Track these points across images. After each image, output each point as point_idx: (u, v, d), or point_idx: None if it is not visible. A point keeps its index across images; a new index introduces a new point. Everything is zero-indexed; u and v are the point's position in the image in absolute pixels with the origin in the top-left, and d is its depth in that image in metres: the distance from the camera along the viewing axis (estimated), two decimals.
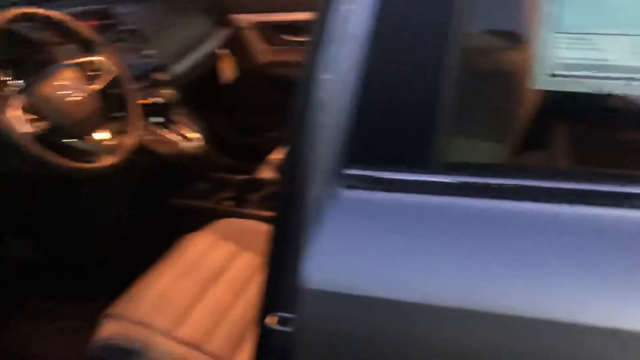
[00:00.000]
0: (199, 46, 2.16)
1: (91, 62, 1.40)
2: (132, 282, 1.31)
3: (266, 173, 1.87)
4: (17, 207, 1.60)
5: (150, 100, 1.70)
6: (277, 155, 1.61)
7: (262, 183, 1.83)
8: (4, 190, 1.43)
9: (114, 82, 1.44)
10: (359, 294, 0.67)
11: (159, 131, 1.72)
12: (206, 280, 1.32)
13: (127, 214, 1.84)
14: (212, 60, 2.23)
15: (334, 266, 0.68)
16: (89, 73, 1.39)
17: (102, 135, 1.34)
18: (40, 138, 1.20)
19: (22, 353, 1.63)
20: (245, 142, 2.64)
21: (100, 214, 1.82)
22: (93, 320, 1.26)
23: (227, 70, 2.36)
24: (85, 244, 1.82)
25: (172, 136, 1.73)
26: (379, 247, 0.67)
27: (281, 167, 0.79)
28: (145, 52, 1.77)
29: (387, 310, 0.67)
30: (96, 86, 1.38)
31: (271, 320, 0.77)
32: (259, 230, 1.50)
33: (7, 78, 1.44)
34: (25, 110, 1.19)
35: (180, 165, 1.73)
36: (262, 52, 2.46)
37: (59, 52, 1.49)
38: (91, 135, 1.31)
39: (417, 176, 0.67)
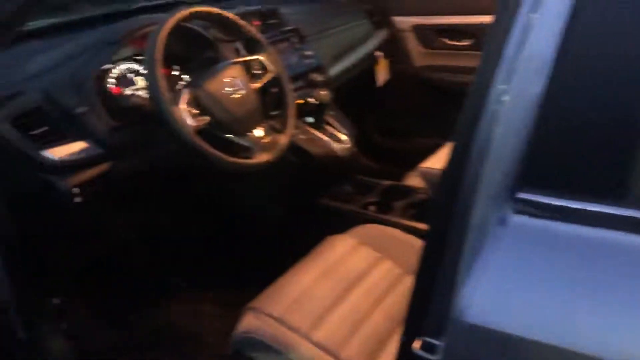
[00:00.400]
0: (357, 48, 2.15)
1: (255, 61, 1.45)
2: (275, 277, 1.33)
3: (414, 180, 1.81)
4: (172, 196, 1.70)
5: (306, 100, 1.72)
6: (428, 163, 1.54)
7: (409, 191, 1.77)
8: (165, 178, 1.53)
9: (274, 81, 1.47)
10: (520, 335, 0.59)
11: (311, 131, 1.73)
12: (346, 284, 1.30)
13: (276, 208, 1.88)
14: (368, 62, 2.21)
15: (495, 300, 0.61)
16: (252, 72, 1.43)
17: (258, 132, 1.37)
18: (202, 132, 1.25)
19: (171, 334, 1.73)
20: (394, 146, 2.59)
21: (252, 207, 1.89)
22: (233, 309, 1.29)
23: (382, 73, 2.33)
24: (238, 234, 1.90)
25: (324, 136, 1.73)
26: (552, 286, 0.58)
27: (441, 181, 0.73)
28: (305, 52, 1.80)
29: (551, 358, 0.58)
30: (257, 84, 1.42)
31: (416, 345, 0.71)
32: (401, 239, 1.45)
33: (178, 73, 1.54)
34: (190, 104, 1.25)
35: (329, 166, 1.73)
36: (419, 55, 2.40)
37: (225, 50, 1.56)
38: (249, 132, 1.35)
39: (608, 208, 0.57)
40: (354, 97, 2.40)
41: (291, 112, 1.47)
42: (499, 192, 0.63)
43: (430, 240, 0.74)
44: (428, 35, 2.35)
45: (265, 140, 1.38)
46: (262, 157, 1.34)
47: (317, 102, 1.70)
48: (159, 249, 1.83)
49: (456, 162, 0.71)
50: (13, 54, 1.32)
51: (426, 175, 1.55)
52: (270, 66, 1.46)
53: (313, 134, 1.72)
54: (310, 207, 1.80)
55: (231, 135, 1.33)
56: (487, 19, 2.07)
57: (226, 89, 1.32)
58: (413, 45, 2.40)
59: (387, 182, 1.86)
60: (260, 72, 1.45)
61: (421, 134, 2.55)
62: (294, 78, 1.73)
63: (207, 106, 1.28)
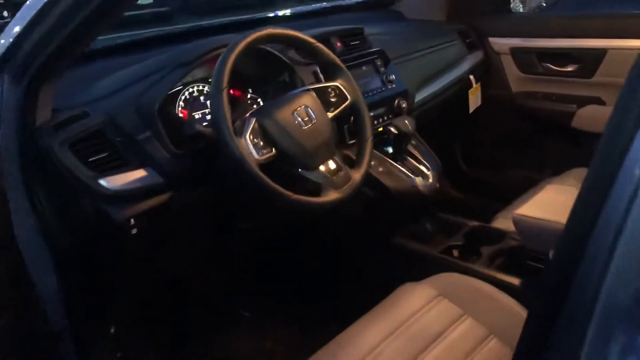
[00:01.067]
0: (447, 71, 1.98)
1: (331, 87, 1.32)
2: (340, 323, 1.19)
3: (504, 223, 1.61)
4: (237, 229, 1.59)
5: (387, 128, 1.57)
6: (523, 209, 1.35)
7: (498, 235, 1.57)
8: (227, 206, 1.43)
9: (351, 109, 1.34)
10: None
11: (391, 163, 1.58)
12: (420, 345, 1.13)
13: (347, 246, 1.75)
14: (458, 86, 2.03)
15: None
16: (328, 98, 1.31)
17: (330, 166, 1.24)
18: (267, 165, 1.14)
19: None
20: (483, 178, 2.38)
21: (323, 243, 1.76)
22: (295, 349, 1.16)
23: (474, 98, 2.14)
24: (307, 271, 1.78)
25: (405, 170, 1.57)
26: None
27: (561, 239, 0.56)
28: (389, 76, 1.65)
29: None
30: (332, 113, 1.29)
31: None
32: (487, 294, 1.26)
33: (249, 96, 1.44)
34: (256, 134, 1.15)
35: (408, 203, 1.57)
36: (516, 80, 2.19)
37: (302, 73, 1.45)
38: (320, 166, 1.22)
39: None
40: (442, 124, 2.22)
41: (368, 145, 1.32)
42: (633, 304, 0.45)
43: (539, 312, 0.57)
44: (527, 59, 2.13)
45: (337, 175, 1.24)
46: (331, 196, 1.20)
47: (399, 132, 1.54)
48: (222, 279, 1.74)
49: (573, 239, 0.54)
50: (80, 73, 1.27)
51: (520, 224, 1.35)
52: (347, 93, 1.33)
53: (393, 166, 1.57)
54: (385, 246, 1.64)
55: (299, 170, 1.21)
56: (596, 42, 1.82)
57: (297, 119, 1.20)
58: (510, 69, 2.19)
59: (474, 223, 1.66)
60: (336, 99, 1.32)
61: (514, 166, 2.32)
62: (375, 104, 1.59)
63: (274, 137, 1.17)
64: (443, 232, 1.67)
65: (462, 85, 2.06)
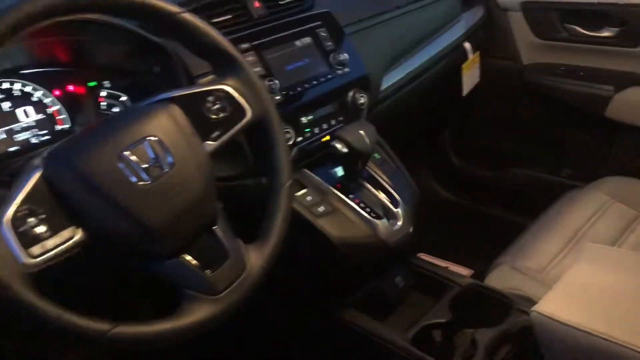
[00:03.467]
0: (431, 40, 1.38)
1: (214, 93, 0.73)
2: None
3: (511, 278, 1.06)
4: None
5: (332, 144, 0.98)
6: (544, 305, 0.80)
7: (503, 307, 1.02)
8: None
9: (251, 133, 0.76)
10: None
11: (338, 197, 1.00)
12: None
13: (273, 315, 1.19)
14: (447, 61, 1.43)
15: None
16: (206, 117, 0.72)
17: (203, 247, 0.66)
18: (56, 267, 0.57)
19: None
20: (483, 177, 1.82)
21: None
22: None
23: (470, 75, 1.54)
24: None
25: (359, 209, 1.00)
26: None
27: None
28: (338, 55, 1.05)
29: None
30: (213, 143, 0.71)
31: None
32: None
33: (105, 94, 0.87)
34: (37, 202, 0.57)
35: (364, 259, 1.01)
36: (529, 48, 1.58)
37: (188, 60, 0.86)
38: (181, 253, 0.65)
39: None
40: (424, 110, 1.63)
41: (282, 197, 0.75)
42: None
43: None
44: (546, 18, 1.52)
45: (219, 264, 0.67)
46: (198, 312, 0.64)
47: (351, 149, 0.96)
48: None
49: None
50: None
51: (541, 326, 0.80)
52: (246, 104, 0.74)
53: (341, 202, 0.99)
54: (324, 320, 1.09)
55: (139, 262, 0.64)
56: None
57: (129, 167, 0.62)
58: (521, 32, 1.58)
59: (467, 278, 1.10)
60: (225, 115, 0.73)
61: (522, 162, 1.75)
62: (315, 102, 1.01)
63: (78, 208, 0.59)
64: (418, 298, 1.11)
65: (454, 57, 1.46)
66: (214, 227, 0.68)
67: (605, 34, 1.46)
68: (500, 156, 1.79)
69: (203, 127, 0.70)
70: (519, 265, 1.12)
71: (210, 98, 0.72)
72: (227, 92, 0.73)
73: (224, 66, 0.75)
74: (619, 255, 1.02)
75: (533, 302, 0.90)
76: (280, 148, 0.76)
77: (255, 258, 0.71)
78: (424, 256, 1.33)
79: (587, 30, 1.48)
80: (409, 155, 1.21)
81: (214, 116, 0.72)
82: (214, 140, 0.72)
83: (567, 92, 1.55)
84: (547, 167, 1.69)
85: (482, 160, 1.82)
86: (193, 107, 0.70)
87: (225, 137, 0.72)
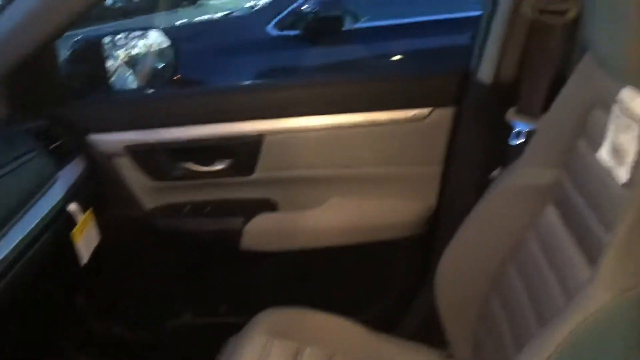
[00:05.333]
0: (15, 219, 1.08)
1: None
2: None
3: None
4: None
5: None
6: None
7: None
8: None
9: None
10: None
11: None
12: None
13: None
14: (48, 237, 1.15)
15: None
16: None
17: None
18: None
19: None
20: (128, 340, 1.55)
21: None
22: None
23: (84, 240, 1.28)
24: None
25: None
26: None
27: None
28: None
29: None
30: None
31: None
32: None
33: None
34: None
35: None
36: (146, 192, 1.43)
37: None
38: None
39: None
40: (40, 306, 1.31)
41: None
42: None
43: None
44: (158, 160, 1.40)
45: None
46: None
47: None
48: None
49: None
50: None
51: None
52: None
53: None
54: None
55: None
56: (250, 125, 1.17)
57: None
58: (135, 178, 1.42)
59: None
60: None
61: (172, 313, 1.56)
62: None
63: None
64: None
65: (60, 226, 1.18)
66: None
67: (219, 167, 1.41)
68: (148, 312, 1.56)
69: None
70: None
71: None
72: None
73: None
74: None
75: None
76: None
77: None
78: None
79: (202, 166, 1.42)
80: None
81: None
82: None
83: (197, 231, 1.44)
84: (204, 310, 1.54)
85: (128, 321, 1.56)
86: None
87: None
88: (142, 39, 1.88)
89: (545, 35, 1.14)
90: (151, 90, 1.60)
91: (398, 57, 2.69)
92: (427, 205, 1.42)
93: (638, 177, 0.69)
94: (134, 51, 1.87)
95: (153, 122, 1.38)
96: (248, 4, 3.36)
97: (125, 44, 1.81)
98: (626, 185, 0.78)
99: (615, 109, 0.86)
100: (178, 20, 3.56)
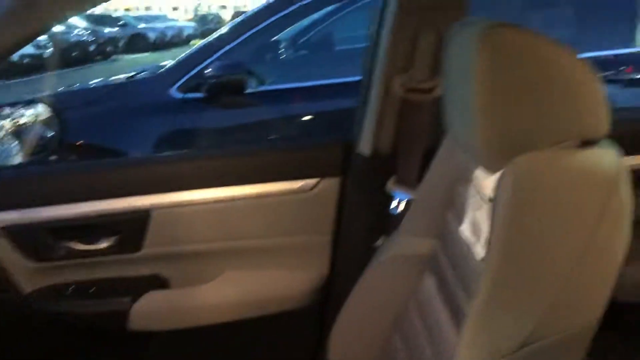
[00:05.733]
0: None
1: None
2: None
3: None
4: None
5: None
6: None
7: None
8: None
9: None
10: None
11: None
12: None
13: None
14: None
15: None
16: None
17: None
18: None
19: None
20: None
21: None
22: None
23: None
24: None
25: None
26: None
27: None
28: None
29: None
30: None
31: None
32: None
33: None
34: None
35: None
36: (25, 274, 1.34)
37: None
38: None
39: None
40: None
41: None
42: None
43: None
44: (36, 240, 1.33)
45: None
46: None
47: None
48: None
49: None
50: None
51: None
52: None
53: None
54: None
55: None
56: (137, 201, 1.13)
57: None
58: (12, 259, 1.33)
59: None
60: None
61: None
62: None
63: None
64: None
65: None
66: None
67: (105, 244, 1.36)
68: None
69: None
70: None
71: None
72: None
73: None
74: None
75: None
76: None
77: None
78: None
79: (87, 244, 1.36)
80: None
81: None
82: None
83: (81, 313, 1.36)
84: None
85: None
86: None
87: None
88: (29, 108, 1.82)
89: (415, 111, 1.20)
90: (31, 167, 1.54)
91: (301, 118, 2.74)
92: (320, 275, 1.43)
93: (490, 253, 0.72)
94: (21, 120, 1.81)
95: (32, 201, 1.32)
96: (163, 62, 3.33)
97: (11, 114, 1.75)
98: (483, 259, 0.83)
99: (471, 188, 0.91)
100: (91, 78, 3.46)
